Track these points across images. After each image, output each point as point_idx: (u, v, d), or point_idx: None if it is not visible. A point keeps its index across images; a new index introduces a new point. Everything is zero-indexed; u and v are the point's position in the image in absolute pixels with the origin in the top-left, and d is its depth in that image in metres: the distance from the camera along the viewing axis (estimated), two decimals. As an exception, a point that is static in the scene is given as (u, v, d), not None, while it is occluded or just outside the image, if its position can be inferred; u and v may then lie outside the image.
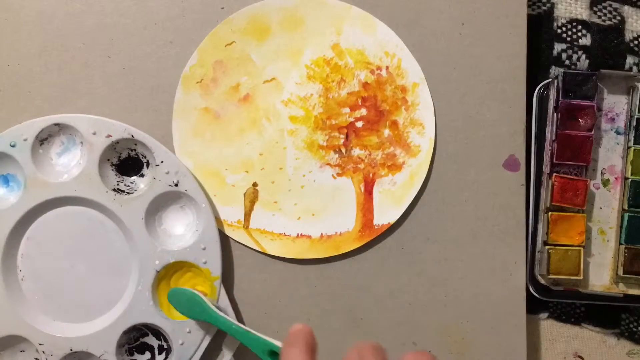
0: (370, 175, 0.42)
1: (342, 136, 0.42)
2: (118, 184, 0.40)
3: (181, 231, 0.40)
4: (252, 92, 0.42)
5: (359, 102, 0.42)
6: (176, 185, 0.39)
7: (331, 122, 0.42)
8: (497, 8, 0.42)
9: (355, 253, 0.42)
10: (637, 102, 0.42)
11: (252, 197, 0.42)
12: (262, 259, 0.42)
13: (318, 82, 0.42)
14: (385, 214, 0.42)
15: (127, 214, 0.39)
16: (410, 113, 0.42)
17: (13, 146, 0.38)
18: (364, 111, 0.42)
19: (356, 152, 0.42)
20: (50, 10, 0.41)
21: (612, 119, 0.43)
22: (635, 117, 0.42)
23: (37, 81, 0.41)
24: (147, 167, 0.40)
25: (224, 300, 0.40)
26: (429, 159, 0.42)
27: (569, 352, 0.44)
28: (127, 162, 0.40)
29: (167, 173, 0.39)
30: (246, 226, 0.41)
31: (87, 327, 0.39)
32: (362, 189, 0.42)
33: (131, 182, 0.40)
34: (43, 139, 0.39)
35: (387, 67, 0.42)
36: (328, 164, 0.42)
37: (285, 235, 0.41)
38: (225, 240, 0.41)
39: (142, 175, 0.40)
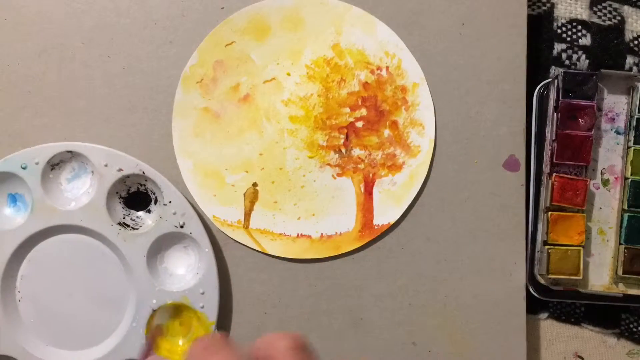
0: (370, 175, 0.42)
1: (342, 136, 0.42)
2: (124, 218, 0.40)
3: (182, 272, 0.40)
4: (252, 92, 0.42)
5: (359, 102, 0.42)
6: (182, 227, 0.39)
7: (331, 122, 0.42)
8: (497, 8, 0.42)
9: (355, 253, 0.42)
10: (637, 102, 0.42)
11: (252, 197, 0.42)
12: (262, 259, 0.42)
13: (318, 82, 0.42)
14: (385, 214, 0.42)
15: (130, 250, 0.39)
16: (410, 113, 0.42)
17: (24, 168, 0.38)
18: (364, 111, 0.42)
19: (356, 152, 0.42)
20: (50, 10, 0.41)
21: (612, 119, 0.43)
22: (635, 117, 0.42)
23: (37, 81, 0.41)
24: (155, 203, 0.40)
25: None
26: (429, 159, 0.42)
27: (569, 352, 0.44)
28: (136, 196, 0.40)
29: (174, 214, 0.39)
30: (246, 226, 0.41)
31: (79, 356, 0.39)
32: (362, 189, 0.42)
33: (137, 217, 0.40)
34: (55, 164, 0.39)
35: (387, 67, 0.42)
36: (328, 164, 0.42)
37: (285, 235, 0.41)
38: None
39: (149, 211, 0.40)
